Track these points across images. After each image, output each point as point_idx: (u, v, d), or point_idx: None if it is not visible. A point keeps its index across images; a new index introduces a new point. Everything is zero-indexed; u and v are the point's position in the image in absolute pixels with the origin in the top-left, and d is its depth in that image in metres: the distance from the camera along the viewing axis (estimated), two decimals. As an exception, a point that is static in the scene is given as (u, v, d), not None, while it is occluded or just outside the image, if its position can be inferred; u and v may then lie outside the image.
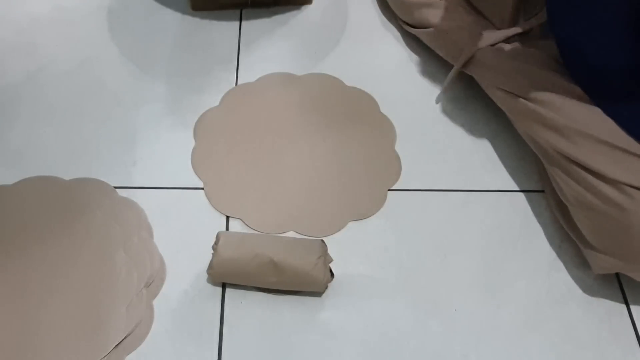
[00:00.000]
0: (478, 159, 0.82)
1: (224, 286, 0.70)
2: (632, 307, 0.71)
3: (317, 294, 0.69)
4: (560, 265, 0.73)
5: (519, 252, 0.74)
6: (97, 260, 0.70)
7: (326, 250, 0.69)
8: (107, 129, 0.83)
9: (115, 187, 0.77)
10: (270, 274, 0.67)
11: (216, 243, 0.69)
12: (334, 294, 0.70)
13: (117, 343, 0.65)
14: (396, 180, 0.79)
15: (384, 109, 0.87)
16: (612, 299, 0.71)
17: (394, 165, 0.81)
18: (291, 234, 0.74)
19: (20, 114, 0.84)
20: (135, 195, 0.76)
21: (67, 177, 0.77)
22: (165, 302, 0.69)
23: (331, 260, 0.69)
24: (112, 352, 0.64)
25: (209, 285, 0.70)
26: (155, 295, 0.69)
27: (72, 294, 0.68)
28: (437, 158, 0.82)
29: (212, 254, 0.68)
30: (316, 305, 0.69)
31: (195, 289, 0.70)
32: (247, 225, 0.74)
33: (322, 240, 0.70)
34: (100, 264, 0.70)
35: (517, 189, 0.79)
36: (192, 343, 0.66)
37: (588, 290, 0.72)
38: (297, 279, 0.67)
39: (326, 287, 0.69)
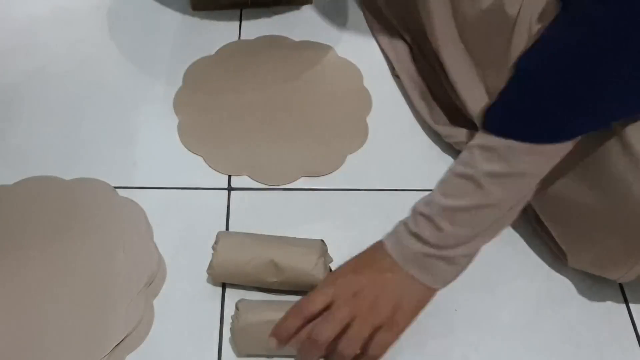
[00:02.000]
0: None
1: (224, 286, 0.70)
2: (632, 307, 0.71)
3: (317, 294, 0.69)
4: (560, 265, 0.73)
5: (519, 252, 0.74)
6: (97, 260, 0.70)
7: (326, 250, 0.69)
8: (107, 129, 0.83)
9: (115, 187, 0.77)
10: (271, 274, 0.67)
11: (216, 243, 0.69)
12: (334, 294, 0.70)
13: (117, 343, 0.64)
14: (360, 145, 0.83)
15: (383, 108, 0.87)
16: (612, 299, 0.71)
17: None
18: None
19: (21, 114, 0.84)
20: (135, 195, 0.76)
21: (67, 177, 0.77)
22: (165, 302, 0.69)
23: (331, 261, 0.69)
24: (112, 352, 0.64)
25: (209, 285, 0.70)
26: (155, 295, 0.69)
27: (72, 294, 0.68)
28: (437, 158, 0.82)
29: (212, 254, 0.68)
30: (316, 305, 0.69)
31: (195, 289, 0.70)
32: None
33: (322, 240, 0.70)
34: (100, 264, 0.70)
35: (517, 189, 0.79)
36: (192, 343, 0.66)
37: (588, 290, 0.72)
38: (297, 279, 0.67)
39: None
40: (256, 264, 0.67)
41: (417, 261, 0.57)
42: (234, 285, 0.70)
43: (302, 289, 0.68)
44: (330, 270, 0.69)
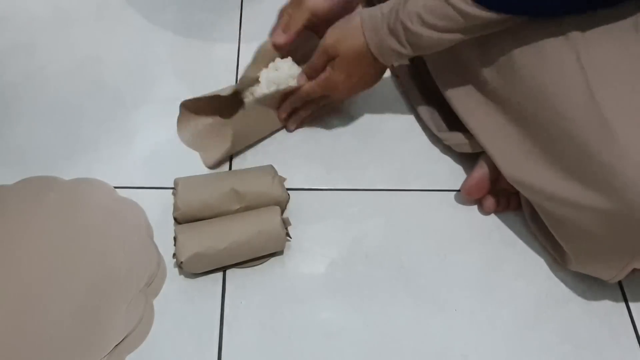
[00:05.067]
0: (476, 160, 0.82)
1: (223, 286, 0.70)
2: (632, 307, 0.71)
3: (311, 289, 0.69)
4: (560, 265, 0.73)
5: (519, 252, 0.74)
6: (97, 260, 0.70)
7: (276, 171, 0.74)
8: (107, 129, 0.83)
9: (115, 187, 0.77)
10: (234, 202, 0.71)
11: (175, 187, 0.72)
12: (333, 294, 0.70)
13: (117, 343, 0.65)
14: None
15: (383, 108, 0.87)
16: (612, 299, 0.71)
17: None
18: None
19: (20, 114, 0.84)
20: (135, 195, 0.76)
21: (67, 177, 0.78)
22: (165, 302, 0.69)
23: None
24: (112, 352, 0.64)
25: (209, 285, 0.70)
26: (155, 295, 0.69)
27: (72, 294, 0.68)
28: (437, 158, 0.82)
29: (174, 197, 0.71)
30: (316, 305, 0.69)
31: (195, 289, 0.70)
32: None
33: (271, 165, 0.75)
34: (100, 264, 0.70)
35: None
36: (192, 343, 0.66)
37: (588, 290, 0.72)
38: (258, 200, 0.71)
39: (289, 225, 0.71)
40: (218, 195, 0.70)
41: (386, 52, 0.70)
42: (234, 285, 0.70)
43: (263, 223, 0.70)
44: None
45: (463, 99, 0.75)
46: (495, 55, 0.70)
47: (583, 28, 0.64)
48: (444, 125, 0.82)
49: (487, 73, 0.71)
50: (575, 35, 0.64)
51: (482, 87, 0.73)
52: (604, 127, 0.60)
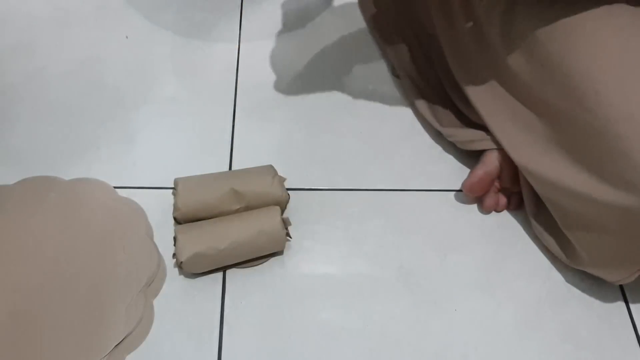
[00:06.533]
0: (478, 159, 0.81)
1: (223, 286, 0.70)
2: (632, 307, 0.71)
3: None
4: (560, 265, 0.73)
5: (519, 252, 0.74)
6: (97, 260, 0.70)
7: (276, 171, 0.74)
8: (107, 129, 0.83)
9: (115, 187, 0.77)
10: (234, 202, 0.71)
11: (175, 187, 0.72)
12: (334, 294, 0.70)
13: (117, 343, 0.65)
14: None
15: (383, 108, 0.87)
16: (612, 299, 0.71)
17: None
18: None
19: (20, 114, 0.84)
20: (135, 195, 0.76)
21: (67, 177, 0.78)
22: (165, 302, 0.69)
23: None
24: (112, 352, 0.64)
25: (209, 286, 0.70)
26: (155, 295, 0.69)
27: (72, 293, 0.68)
28: (437, 158, 0.82)
29: (174, 197, 0.71)
30: (316, 305, 0.69)
31: (195, 289, 0.70)
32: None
33: (271, 165, 0.75)
34: (100, 264, 0.70)
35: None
36: (192, 343, 0.66)
37: (588, 290, 0.72)
38: (258, 200, 0.71)
39: (289, 225, 0.71)
40: (218, 195, 0.71)
41: None
42: (234, 285, 0.70)
43: (262, 221, 0.70)
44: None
45: (480, 89, 0.74)
46: (521, 42, 0.67)
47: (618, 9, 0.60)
48: (446, 122, 0.82)
49: (512, 61, 0.69)
50: (617, 13, 0.60)
51: (504, 78, 0.71)
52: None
